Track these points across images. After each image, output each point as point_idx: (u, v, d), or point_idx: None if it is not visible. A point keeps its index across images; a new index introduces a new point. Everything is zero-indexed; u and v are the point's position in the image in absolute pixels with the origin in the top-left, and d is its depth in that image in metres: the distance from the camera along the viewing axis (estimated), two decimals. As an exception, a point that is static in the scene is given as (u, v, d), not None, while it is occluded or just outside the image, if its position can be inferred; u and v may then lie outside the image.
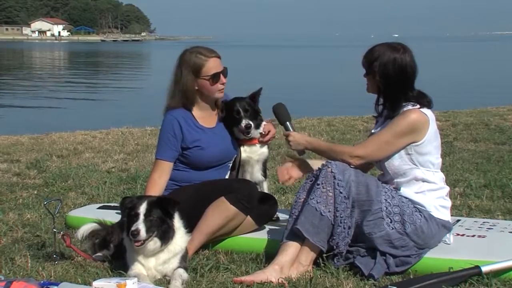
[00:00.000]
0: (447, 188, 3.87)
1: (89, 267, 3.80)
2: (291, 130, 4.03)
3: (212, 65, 4.08)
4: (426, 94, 3.81)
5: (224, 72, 4.14)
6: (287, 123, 4.05)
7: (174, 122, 4.09)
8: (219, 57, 4.15)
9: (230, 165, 4.30)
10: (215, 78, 4.09)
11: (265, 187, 4.43)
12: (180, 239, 3.65)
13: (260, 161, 4.38)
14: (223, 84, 4.13)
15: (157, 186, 4.04)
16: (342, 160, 3.73)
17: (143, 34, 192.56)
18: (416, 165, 3.74)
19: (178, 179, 4.15)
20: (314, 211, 3.61)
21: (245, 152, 4.33)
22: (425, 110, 3.73)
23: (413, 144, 3.71)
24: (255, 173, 4.34)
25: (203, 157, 4.12)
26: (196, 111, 4.17)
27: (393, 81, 3.72)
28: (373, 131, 3.92)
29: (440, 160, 3.85)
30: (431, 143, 3.75)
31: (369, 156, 3.77)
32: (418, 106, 3.73)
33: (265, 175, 4.44)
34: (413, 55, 3.78)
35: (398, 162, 3.75)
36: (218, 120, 4.26)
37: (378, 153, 3.75)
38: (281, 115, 4.10)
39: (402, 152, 3.74)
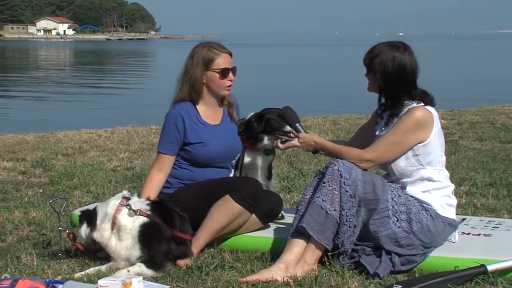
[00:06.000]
0: (452, 186, 3.86)
1: (95, 265, 3.80)
2: (302, 132, 4.02)
3: (223, 60, 4.09)
4: (429, 92, 3.81)
5: (234, 70, 4.14)
6: (297, 124, 4.03)
7: (178, 116, 4.09)
8: (231, 54, 4.16)
9: (234, 164, 4.30)
10: (224, 73, 4.09)
11: (272, 187, 4.43)
12: None
13: (264, 167, 4.38)
14: (230, 81, 4.13)
15: (154, 181, 4.08)
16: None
17: (152, 33, 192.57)
18: (423, 165, 3.73)
19: (182, 178, 4.16)
20: (319, 209, 3.61)
21: (248, 157, 4.32)
22: (429, 108, 3.74)
23: (420, 144, 3.70)
24: (258, 178, 4.32)
25: (205, 154, 4.11)
26: (201, 107, 4.17)
27: (392, 79, 3.71)
28: (377, 133, 3.91)
29: (444, 158, 3.84)
30: (436, 141, 3.75)
31: (379, 158, 3.76)
32: (422, 104, 3.73)
33: (270, 177, 4.43)
34: (414, 54, 3.77)
35: (404, 163, 3.74)
36: (230, 119, 4.26)
37: (388, 155, 3.74)
38: (289, 118, 4.09)
39: (409, 153, 3.73)
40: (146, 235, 3.68)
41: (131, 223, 3.71)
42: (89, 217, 3.82)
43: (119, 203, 3.77)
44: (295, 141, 4.12)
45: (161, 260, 3.66)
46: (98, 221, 3.77)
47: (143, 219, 3.72)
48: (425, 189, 3.74)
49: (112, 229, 3.74)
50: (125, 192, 3.90)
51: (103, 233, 3.75)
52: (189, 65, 4.12)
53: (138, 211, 3.73)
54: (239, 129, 4.29)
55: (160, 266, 3.65)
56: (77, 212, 4.78)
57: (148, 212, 3.74)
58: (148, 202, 3.84)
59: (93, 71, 42.43)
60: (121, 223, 3.72)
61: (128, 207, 3.74)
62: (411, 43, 3.87)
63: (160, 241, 3.69)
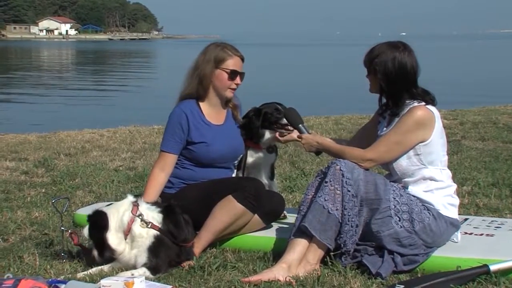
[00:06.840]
0: (455, 186, 3.86)
1: (97, 265, 3.80)
2: (305, 133, 4.02)
3: (234, 62, 4.11)
4: (430, 92, 3.81)
5: (242, 75, 4.15)
6: (300, 125, 4.04)
7: (182, 114, 4.09)
8: (243, 59, 4.17)
9: (236, 164, 4.30)
10: (233, 74, 4.10)
11: (274, 187, 4.43)
12: None
13: (267, 167, 4.38)
14: (237, 84, 4.14)
15: (158, 181, 4.06)
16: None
17: (155, 33, 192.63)
18: (424, 165, 3.73)
19: (184, 178, 4.16)
20: (321, 209, 3.61)
21: (252, 157, 4.32)
22: (430, 107, 3.74)
23: (422, 143, 3.70)
24: (261, 178, 4.32)
25: (207, 154, 4.11)
26: (205, 106, 4.17)
27: (393, 79, 3.71)
28: (379, 132, 3.91)
29: (446, 157, 3.84)
30: (437, 140, 3.75)
31: (380, 158, 3.76)
32: (423, 103, 3.73)
33: (272, 177, 4.43)
34: (414, 53, 3.78)
35: (406, 163, 3.74)
36: (235, 121, 4.26)
37: (389, 154, 3.74)
38: (293, 118, 4.09)
39: (411, 152, 3.73)
40: (156, 246, 3.71)
41: (146, 233, 3.72)
42: (101, 221, 3.76)
43: (132, 213, 3.74)
44: (294, 135, 4.12)
45: (165, 268, 3.69)
46: (113, 229, 3.73)
47: (155, 231, 3.74)
48: (427, 188, 3.74)
49: (125, 239, 3.74)
50: (131, 197, 3.84)
51: (120, 242, 3.73)
52: (200, 60, 4.13)
53: (150, 223, 3.73)
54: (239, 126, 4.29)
55: (164, 272, 3.68)
56: (81, 212, 4.81)
57: (159, 225, 3.75)
58: (159, 209, 3.81)
59: (95, 71, 42.44)
60: (136, 233, 3.72)
61: (140, 217, 3.73)
62: (414, 43, 3.88)
63: (167, 252, 3.72)
